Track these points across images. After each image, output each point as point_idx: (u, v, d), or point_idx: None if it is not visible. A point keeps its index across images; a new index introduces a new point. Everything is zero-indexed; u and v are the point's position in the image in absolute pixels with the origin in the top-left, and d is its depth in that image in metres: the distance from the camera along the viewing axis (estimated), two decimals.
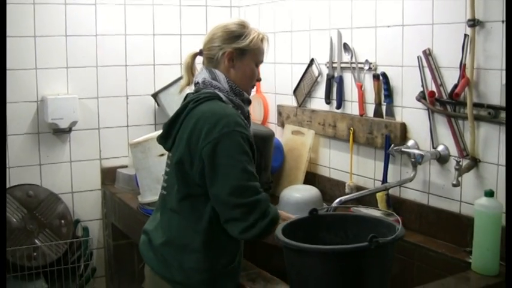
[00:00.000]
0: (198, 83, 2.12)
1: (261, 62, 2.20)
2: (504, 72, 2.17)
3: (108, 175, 3.58)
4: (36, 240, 3.29)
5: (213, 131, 1.92)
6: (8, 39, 3.21)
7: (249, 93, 2.19)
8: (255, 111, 3.73)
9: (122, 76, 3.58)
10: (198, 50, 2.17)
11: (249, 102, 2.18)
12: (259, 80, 2.24)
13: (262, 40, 2.17)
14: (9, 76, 3.25)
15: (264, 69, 3.58)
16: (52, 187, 3.43)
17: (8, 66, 3.23)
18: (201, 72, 2.13)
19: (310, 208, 2.90)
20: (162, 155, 2.89)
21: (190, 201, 2.02)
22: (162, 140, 2.15)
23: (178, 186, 2.03)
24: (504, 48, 2.17)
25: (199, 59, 2.19)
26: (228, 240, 2.00)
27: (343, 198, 2.38)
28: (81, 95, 3.46)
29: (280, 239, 1.77)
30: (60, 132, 3.41)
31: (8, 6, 3.18)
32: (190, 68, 2.18)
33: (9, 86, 3.26)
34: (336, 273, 1.70)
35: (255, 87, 2.36)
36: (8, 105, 3.26)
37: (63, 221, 3.38)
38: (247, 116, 2.15)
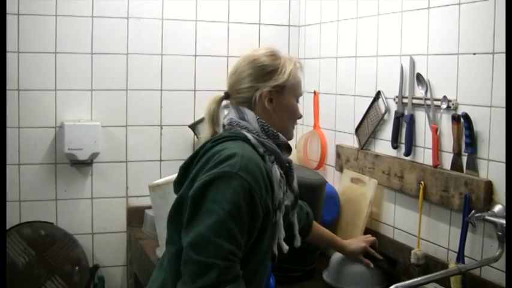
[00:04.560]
0: (224, 125, 1.78)
1: (301, 95, 1.88)
2: None
3: (136, 216, 3.12)
4: None
5: (215, 168, 1.58)
6: (24, 55, 2.90)
7: (291, 136, 1.85)
8: (311, 150, 3.18)
9: (156, 102, 3.14)
10: (223, 94, 1.83)
11: (288, 148, 1.81)
12: (300, 117, 1.88)
13: (298, 70, 1.84)
14: (25, 97, 2.92)
15: (323, 100, 3.08)
16: (68, 227, 3.00)
17: (23, 86, 2.91)
18: (229, 113, 1.80)
19: (364, 281, 2.38)
20: None
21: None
22: (177, 186, 1.77)
23: (171, 237, 1.71)
24: None
25: None
26: None
27: (399, 285, 1.75)
28: (107, 122, 3.04)
29: None
30: (80, 164, 2.98)
31: (26, 18, 2.87)
32: (215, 116, 1.81)
33: (24, 108, 2.92)
34: None
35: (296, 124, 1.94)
36: (21, 131, 2.93)
37: (76, 268, 2.93)
38: (287, 167, 1.77)
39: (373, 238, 2.42)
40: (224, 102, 1.82)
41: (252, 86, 1.76)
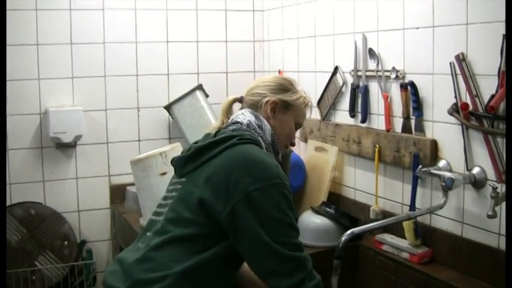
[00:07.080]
0: (238, 122, 1.90)
1: (301, 125, 2.05)
2: None
3: (118, 193, 3.32)
4: (36, 263, 3.05)
5: (260, 177, 1.68)
6: (8, 48, 3.01)
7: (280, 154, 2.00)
8: None
9: (132, 86, 3.32)
10: (238, 96, 2.03)
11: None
12: (293, 144, 2.05)
13: (306, 105, 2.03)
14: (11, 87, 3.05)
15: None
16: (56, 205, 3.19)
17: (9, 76, 3.03)
18: (245, 113, 1.93)
19: (330, 237, 2.62)
20: (163, 174, 2.61)
21: (204, 241, 1.73)
22: (181, 161, 1.86)
23: (196, 225, 1.73)
24: None
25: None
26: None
27: (355, 230, 2.02)
28: (88, 107, 3.23)
29: None
30: (65, 147, 3.18)
31: (8, 13, 2.98)
32: (227, 112, 2.01)
33: (11, 97, 3.05)
34: None
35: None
36: (8, 118, 3.06)
37: (66, 242, 3.13)
38: None
39: None
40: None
41: (263, 93, 1.95)
